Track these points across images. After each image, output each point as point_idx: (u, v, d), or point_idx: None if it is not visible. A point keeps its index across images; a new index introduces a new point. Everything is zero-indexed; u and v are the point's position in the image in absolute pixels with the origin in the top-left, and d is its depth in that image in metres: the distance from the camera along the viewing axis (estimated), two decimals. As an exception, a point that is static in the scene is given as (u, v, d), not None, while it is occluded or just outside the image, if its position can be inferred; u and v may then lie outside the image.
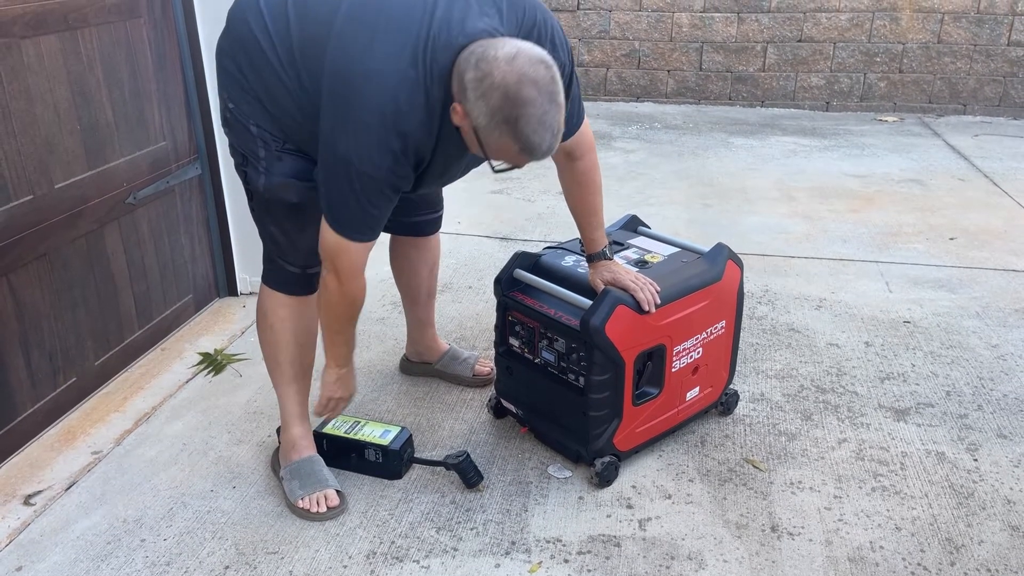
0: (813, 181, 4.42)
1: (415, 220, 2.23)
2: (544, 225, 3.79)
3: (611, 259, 1.98)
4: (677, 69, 6.10)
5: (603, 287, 1.91)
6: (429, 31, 1.50)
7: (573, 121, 1.79)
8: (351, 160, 1.53)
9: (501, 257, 3.38)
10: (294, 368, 1.95)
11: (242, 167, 1.79)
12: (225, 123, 1.78)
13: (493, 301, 2.14)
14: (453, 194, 4.26)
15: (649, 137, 5.34)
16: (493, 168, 1.57)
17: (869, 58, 5.86)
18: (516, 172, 4.56)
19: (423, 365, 2.48)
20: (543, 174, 4.54)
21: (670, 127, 5.58)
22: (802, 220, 3.83)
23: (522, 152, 1.50)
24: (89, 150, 2.28)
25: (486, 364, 2.44)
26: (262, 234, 1.87)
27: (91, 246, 2.32)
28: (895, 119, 5.79)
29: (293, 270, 1.86)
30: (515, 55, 1.44)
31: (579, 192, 1.95)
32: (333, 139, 1.55)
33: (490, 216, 3.91)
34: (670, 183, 4.39)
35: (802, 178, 4.47)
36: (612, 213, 3.91)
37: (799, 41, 5.89)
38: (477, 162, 1.80)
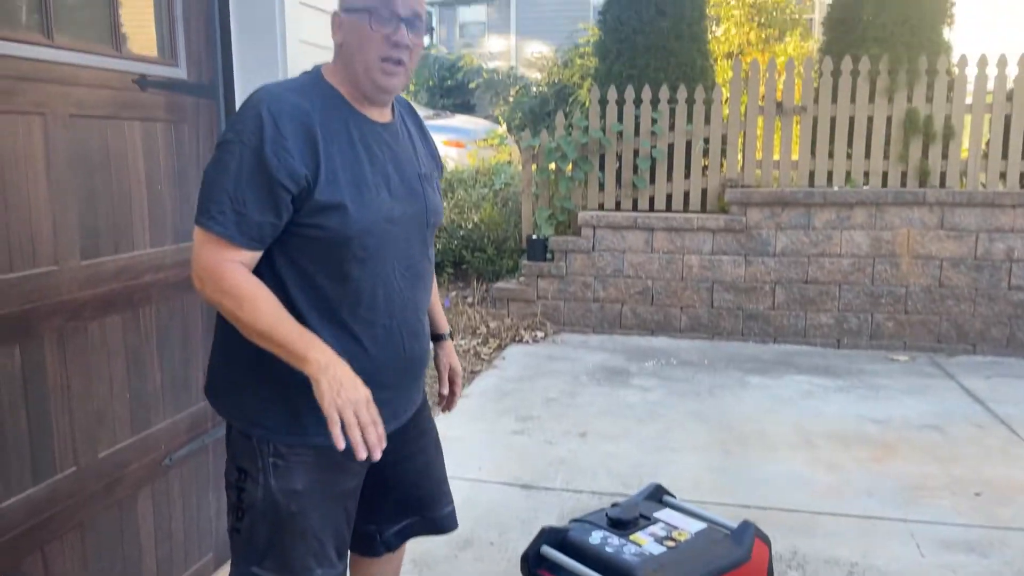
0: (831, 425, 4.46)
1: (442, 514, 2.04)
2: (566, 470, 3.80)
3: (451, 341, 2.14)
4: (689, 306, 6.36)
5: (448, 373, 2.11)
6: None
7: None
8: (228, 135, 1.57)
9: (523, 508, 3.37)
10: None
11: (239, 484, 1.69)
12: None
13: (516, 559, 2.12)
14: (473, 436, 4.34)
15: (666, 374, 5.46)
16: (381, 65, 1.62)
17: (874, 299, 6.10)
18: (536, 410, 4.61)
19: None
20: (563, 413, 4.61)
21: (685, 363, 5.72)
22: (824, 469, 3.82)
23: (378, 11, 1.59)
24: (135, 417, 2.37)
25: None
26: (286, 565, 1.69)
27: (124, 512, 2.35)
28: (907, 358, 5.92)
29: None
30: None
31: None
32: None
33: (511, 461, 3.93)
34: (689, 426, 4.44)
35: (820, 422, 4.51)
36: (634, 458, 3.96)
37: (805, 282, 6.17)
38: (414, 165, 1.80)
